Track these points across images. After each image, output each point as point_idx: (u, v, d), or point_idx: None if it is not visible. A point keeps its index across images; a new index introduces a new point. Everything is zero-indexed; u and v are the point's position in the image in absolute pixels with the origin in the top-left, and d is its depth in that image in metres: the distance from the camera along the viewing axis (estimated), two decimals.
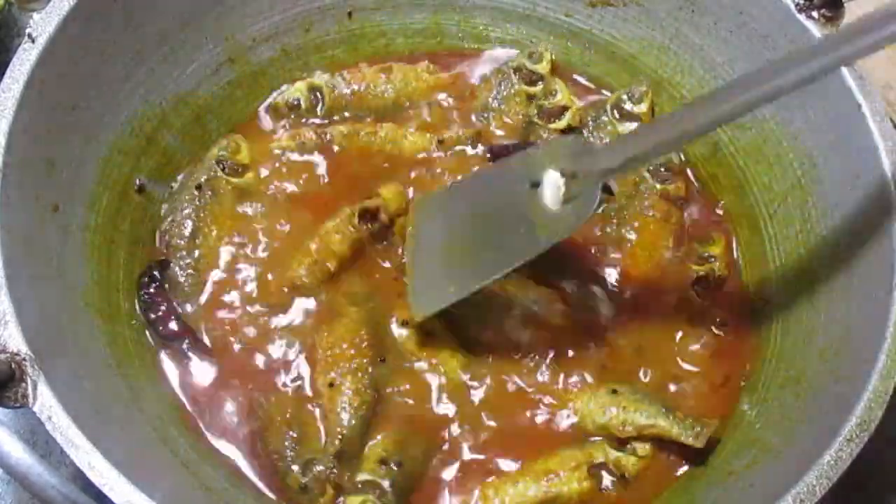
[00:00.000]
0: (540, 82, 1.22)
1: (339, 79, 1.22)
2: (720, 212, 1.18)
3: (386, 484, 0.95)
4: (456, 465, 0.99)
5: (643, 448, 0.99)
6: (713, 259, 1.12)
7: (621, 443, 1.00)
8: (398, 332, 1.05)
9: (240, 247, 1.11)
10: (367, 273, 1.09)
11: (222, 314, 1.07)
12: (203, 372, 1.04)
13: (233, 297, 1.08)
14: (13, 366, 0.76)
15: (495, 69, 1.25)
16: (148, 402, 0.97)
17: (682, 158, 1.20)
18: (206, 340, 1.05)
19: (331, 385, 1.00)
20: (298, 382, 1.02)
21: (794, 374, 0.99)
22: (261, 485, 0.98)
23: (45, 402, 0.76)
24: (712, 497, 0.95)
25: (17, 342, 0.78)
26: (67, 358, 0.86)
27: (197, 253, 1.09)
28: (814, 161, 1.04)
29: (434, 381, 1.03)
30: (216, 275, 1.09)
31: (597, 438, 1.00)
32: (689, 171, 1.20)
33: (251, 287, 1.08)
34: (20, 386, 0.76)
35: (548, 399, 1.03)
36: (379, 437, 0.99)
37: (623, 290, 1.11)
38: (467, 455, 1.00)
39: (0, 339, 0.78)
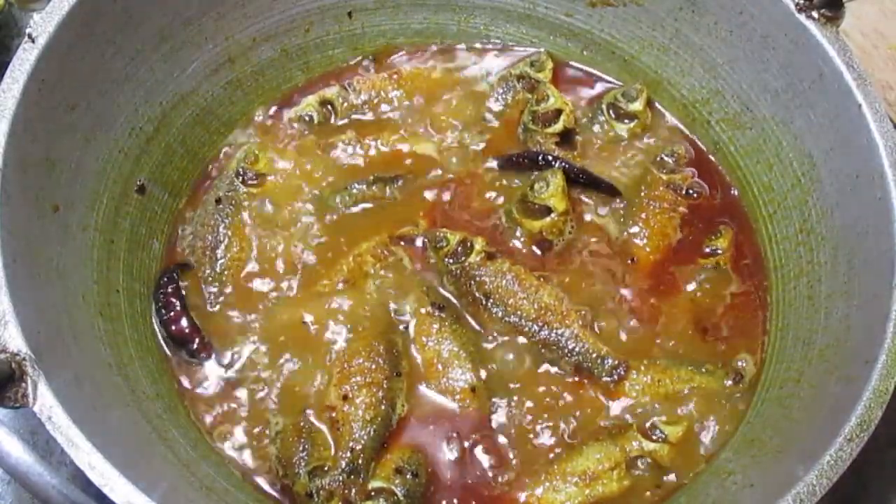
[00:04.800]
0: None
1: (349, 90, 1.23)
2: (735, 192, 1.18)
3: (400, 492, 0.95)
4: (481, 473, 0.99)
5: (675, 432, 1.00)
6: (719, 251, 1.12)
7: (646, 432, 1.01)
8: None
9: (261, 257, 1.12)
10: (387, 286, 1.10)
11: (240, 322, 1.07)
12: (208, 374, 1.04)
13: (252, 306, 1.08)
14: (13, 366, 0.76)
15: (499, 76, 1.26)
16: (148, 402, 0.97)
17: (689, 148, 1.21)
18: (218, 346, 1.06)
19: (345, 398, 1.00)
20: (312, 393, 1.02)
21: (794, 374, 0.99)
22: (266, 487, 0.98)
23: (45, 402, 0.76)
24: (712, 497, 0.95)
25: (17, 342, 0.78)
26: (67, 358, 0.86)
27: (219, 266, 1.10)
28: (814, 161, 1.04)
29: (453, 384, 1.03)
30: (238, 284, 1.10)
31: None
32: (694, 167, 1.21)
33: (272, 296, 1.09)
34: (20, 386, 0.76)
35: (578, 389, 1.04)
36: (395, 448, 0.99)
37: (633, 280, 1.11)
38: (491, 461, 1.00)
39: (0, 339, 0.78)
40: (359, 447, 0.97)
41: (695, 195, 1.17)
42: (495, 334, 1.06)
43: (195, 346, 1.04)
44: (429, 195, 1.16)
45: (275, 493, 0.98)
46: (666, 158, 1.19)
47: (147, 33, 1.05)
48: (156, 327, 1.06)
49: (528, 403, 1.03)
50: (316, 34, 1.24)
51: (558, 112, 1.18)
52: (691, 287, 1.11)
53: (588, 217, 1.15)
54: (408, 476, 0.96)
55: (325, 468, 0.96)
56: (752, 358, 1.06)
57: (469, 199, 1.17)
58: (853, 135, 0.96)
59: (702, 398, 1.03)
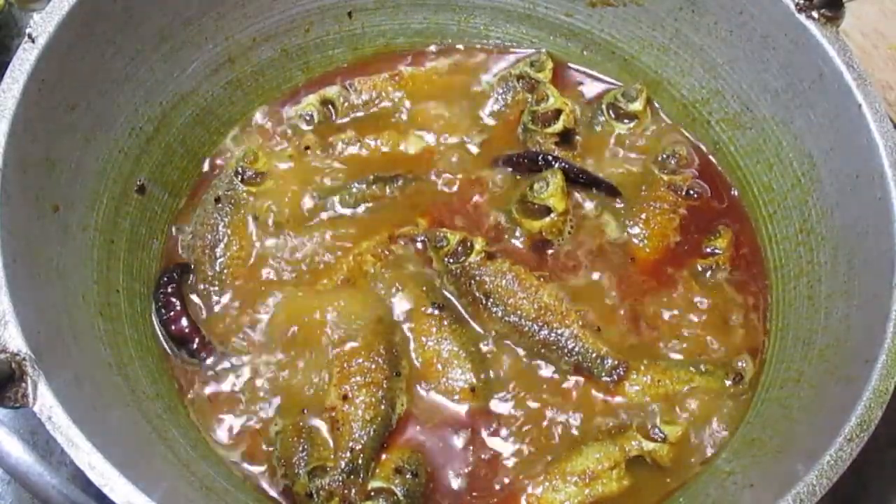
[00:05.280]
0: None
1: (350, 90, 1.23)
2: (735, 192, 1.18)
3: (400, 492, 0.95)
4: (481, 474, 0.99)
5: (674, 432, 1.00)
6: (718, 252, 1.13)
7: (646, 432, 1.01)
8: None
9: (261, 256, 1.12)
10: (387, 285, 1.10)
11: (240, 321, 1.07)
12: (209, 374, 1.04)
13: (252, 305, 1.08)
14: (13, 366, 0.76)
15: (498, 76, 1.26)
16: (148, 402, 0.97)
17: (690, 149, 1.21)
18: (218, 345, 1.06)
19: (344, 398, 1.00)
20: (312, 393, 1.02)
21: (794, 374, 0.99)
22: (266, 487, 0.99)
23: (45, 402, 0.76)
24: (712, 497, 0.95)
25: (17, 342, 0.78)
26: (67, 358, 0.86)
27: (219, 265, 1.10)
28: (814, 161, 1.04)
29: (452, 385, 1.03)
30: (238, 283, 1.10)
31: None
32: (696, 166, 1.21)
33: (271, 295, 1.09)
34: (20, 386, 0.76)
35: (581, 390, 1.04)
36: (395, 448, 0.99)
37: (633, 281, 1.11)
38: (491, 464, 1.00)
39: (0, 339, 0.78)
40: (359, 447, 0.97)
41: (695, 195, 1.17)
42: (495, 334, 1.06)
43: (195, 346, 1.04)
44: (429, 195, 1.16)
45: (275, 494, 0.98)
46: (667, 159, 1.19)
47: (147, 33, 1.05)
48: (156, 327, 1.06)
49: (528, 403, 1.03)
50: (316, 34, 1.24)
51: (558, 112, 1.18)
52: (690, 287, 1.11)
53: (588, 217, 1.15)
54: (407, 476, 0.96)
55: (325, 468, 0.96)
56: (752, 358, 1.06)
57: (469, 199, 1.17)
58: (853, 135, 0.96)
59: (702, 398, 1.03)
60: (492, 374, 1.04)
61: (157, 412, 0.97)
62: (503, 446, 1.00)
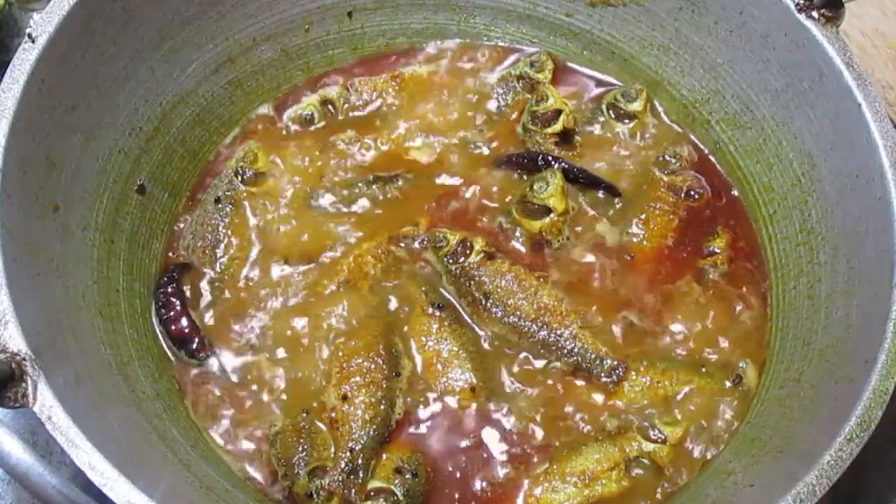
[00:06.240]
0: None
1: (350, 91, 1.23)
2: (735, 192, 1.18)
3: (400, 492, 0.95)
4: (482, 474, 1.00)
5: (674, 433, 1.00)
6: (718, 252, 1.13)
7: (645, 433, 1.01)
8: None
9: (261, 256, 1.12)
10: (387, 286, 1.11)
11: (240, 322, 1.07)
12: (208, 374, 1.04)
13: (252, 305, 1.08)
14: (13, 366, 0.76)
15: (498, 76, 1.26)
16: (148, 401, 0.97)
17: (691, 150, 1.21)
18: (218, 345, 1.06)
19: (344, 398, 1.00)
20: (312, 393, 1.02)
21: (794, 375, 0.99)
22: (266, 487, 0.99)
23: (45, 402, 0.77)
24: (712, 497, 0.95)
25: (17, 342, 0.78)
26: (67, 358, 0.86)
27: (219, 265, 1.10)
28: (814, 161, 1.04)
29: (453, 384, 1.03)
30: (238, 283, 1.10)
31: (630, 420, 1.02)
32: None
33: (272, 296, 1.09)
34: (20, 386, 0.76)
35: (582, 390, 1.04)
36: (395, 448, 0.99)
37: (632, 281, 1.11)
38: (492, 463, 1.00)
39: (0, 339, 0.78)
40: (358, 447, 0.97)
41: (695, 196, 1.17)
42: (495, 334, 1.06)
43: (195, 345, 1.05)
44: (429, 195, 1.16)
45: (275, 493, 0.98)
46: (668, 159, 1.19)
47: (147, 33, 1.05)
48: (156, 327, 1.06)
49: (527, 403, 1.03)
50: (316, 34, 1.24)
51: (558, 112, 1.18)
52: (690, 288, 1.11)
53: (587, 217, 1.15)
54: (407, 476, 0.96)
55: (325, 468, 0.96)
56: (752, 359, 1.06)
57: (469, 199, 1.17)
58: (853, 134, 0.96)
59: (701, 399, 1.03)
60: (491, 374, 1.04)
61: (157, 412, 0.97)
62: (503, 446, 1.00)
